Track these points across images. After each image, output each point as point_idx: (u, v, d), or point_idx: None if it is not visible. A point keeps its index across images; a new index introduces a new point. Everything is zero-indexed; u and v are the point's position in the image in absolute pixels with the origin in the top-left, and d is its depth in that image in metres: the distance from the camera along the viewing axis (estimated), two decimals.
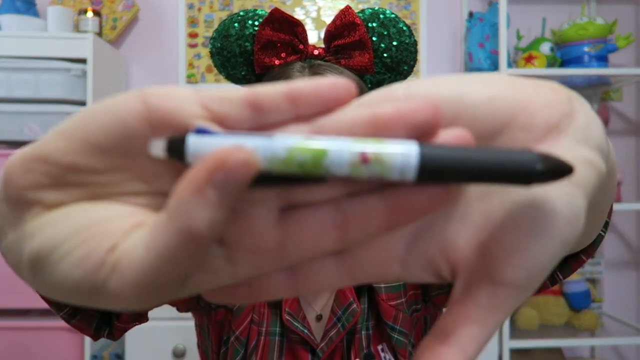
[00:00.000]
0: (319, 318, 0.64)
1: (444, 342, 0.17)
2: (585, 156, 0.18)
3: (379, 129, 0.17)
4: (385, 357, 0.62)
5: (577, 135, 0.18)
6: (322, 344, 0.60)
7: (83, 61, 1.54)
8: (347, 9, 0.59)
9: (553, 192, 0.17)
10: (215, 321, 0.64)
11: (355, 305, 0.61)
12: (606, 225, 0.36)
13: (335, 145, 0.16)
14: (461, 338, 0.17)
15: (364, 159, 0.16)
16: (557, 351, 1.73)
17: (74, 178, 0.17)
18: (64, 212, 0.17)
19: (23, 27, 1.56)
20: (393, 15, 0.60)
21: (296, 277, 0.19)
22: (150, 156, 0.17)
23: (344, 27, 0.59)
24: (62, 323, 1.47)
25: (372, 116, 0.17)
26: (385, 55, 0.61)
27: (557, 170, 0.16)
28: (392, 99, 0.18)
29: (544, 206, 0.17)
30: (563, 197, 0.17)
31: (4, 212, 0.18)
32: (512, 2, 1.90)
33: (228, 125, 0.17)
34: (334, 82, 0.17)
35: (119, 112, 0.17)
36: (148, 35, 1.87)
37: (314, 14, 1.89)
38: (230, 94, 0.17)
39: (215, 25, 1.85)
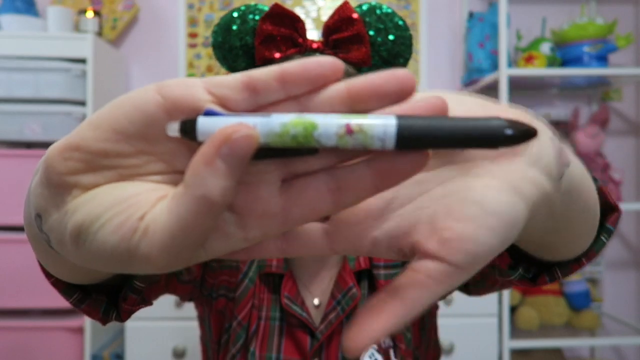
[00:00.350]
0: (317, 306, 0.65)
1: (392, 296, 0.21)
2: (532, 177, 0.22)
3: (354, 102, 0.19)
4: (384, 342, 0.63)
5: (530, 159, 0.22)
6: (322, 326, 0.62)
7: (83, 61, 1.54)
8: (345, 4, 0.60)
9: (500, 197, 0.21)
10: (216, 310, 0.65)
11: (355, 290, 0.62)
12: (609, 232, 0.39)
13: (323, 119, 0.19)
14: (407, 296, 0.20)
15: (349, 130, 0.18)
16: (557, 351, 1.73)
17: (105, 162, 0.20)
18: (99, 191, 0.20)
19: (23, 27, 1.56)
20: (389, 10, 0.61)
21: (287, 241, 0.23)
22: (169, 139, 0.20)
23: (341, 22, 0.60)
24: (62, 323, 1.47)
25: (347, 89, 0.19)
26: (381, 48, 0.62)
27: (524, 133, 0.19)
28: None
29: (490, 206, 0.20)
30: (507, 203, 0.20)
31: (47, 196, 0.21)
32: (512, 2, 1.90)
33: (230, 107, 0.19)
34: (318, 60, 0.19)
35: (140, 102, 0.19)
36: (148, 35, 1.87)
37: (314, 14, 1.89)
38: (229, 79, 0.19)
39: None
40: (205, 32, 1.86)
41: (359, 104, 0.19)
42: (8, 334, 1.47)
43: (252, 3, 0.62)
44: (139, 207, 0.19)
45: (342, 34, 0.60)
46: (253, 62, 0.63)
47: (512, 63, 1.80)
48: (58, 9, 1.58)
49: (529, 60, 1.62)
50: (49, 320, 1.50)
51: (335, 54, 0.61)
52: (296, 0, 1.88)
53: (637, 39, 1.90)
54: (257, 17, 0.61)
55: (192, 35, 1.86)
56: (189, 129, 0.19)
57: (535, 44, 1.70)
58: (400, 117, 0.19)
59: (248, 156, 0.18)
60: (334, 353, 0.62)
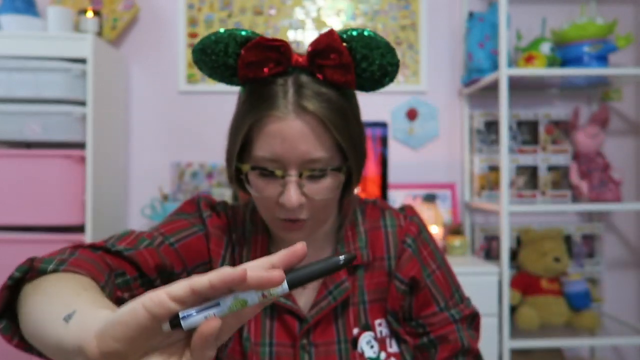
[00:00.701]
0: (304, 286, 0.70)
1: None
2: None
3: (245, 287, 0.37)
4: (381, 332, 0.70)
5: None
6: (313, 311, 0.68)
7: (83, 61, 1.54)
8: (332, 33, 0.60)
9: None
10: None
11: (347, 283, 0.69)
12: None
13: (250, 297, 0.36)
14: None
15: (265, 297, 0.37)
16: (557, 351, 1.73)
17: (133, 353, 0.35)
18: None
19: (23, 27, 1.56)
20: (378, 37, 0.60)
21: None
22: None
23: (328, 50, 0.60)
24: None
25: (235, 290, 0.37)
26: (367, 72, 0.62)
27: (349, 260, 0.39)
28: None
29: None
30: None
31: None
32: (512, 2, 1.90)
33: (187, 303, 0.35)
34: (231, 274, 0.34)
35: (138, 321, 0.34)
36: (148, 35, 1.87)
37: (314, 14, 1.89)
38: (181, 291, 0.34)
39: (216, 26, 1.85)
40: (205, 32, 1.86)
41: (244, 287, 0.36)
42: None
43: (232, 28, 0.60)
44: None
45: (327, 61, 0.60)
46: (236, 74, 0.64)
47: (512, 63, 1.80)
48: (58, 9, 1.58)
49: (529, 60, 1.62)
50: None
51: (320, 72, 0.61)
52: (296, 1, 1.88)
53: (637, 39, 1.90)
54: (238, 44, 0.61)
55: (192, 35, 1.86)
56: (176, 325, 0.35)
57: (535, 44, 1.70)
58: (287, 274, 0.37)
59: (217, 332, 0.35)
60: (319, 334, 0.68)
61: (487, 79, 1.64)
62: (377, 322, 0.70)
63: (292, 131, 0.60)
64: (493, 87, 1.73)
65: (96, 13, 1.66)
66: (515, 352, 1.65)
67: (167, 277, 0.65)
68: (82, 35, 1.54)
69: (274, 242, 0.73)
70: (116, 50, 1.76)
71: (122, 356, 0.35)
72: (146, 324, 0.34)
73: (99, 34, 1.66)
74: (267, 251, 0.72)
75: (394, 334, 0.70)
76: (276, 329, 0.69)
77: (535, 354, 1.70)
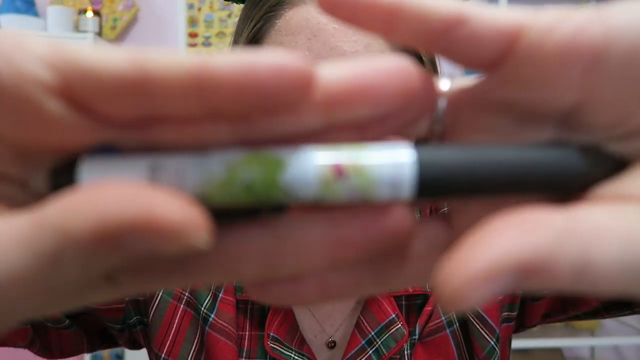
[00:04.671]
0: (331, 345, 0.44)
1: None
2: None
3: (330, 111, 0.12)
4: None
5: None
6: None
7: None
8: None
9: None
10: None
11: (400, 325, 0.42)
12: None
13: (294, 155, 0.11)
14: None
15: (339, 171, 0.11)
16: (557, 351, 1.73)
17: None
18: None
19: (23, 27, 1.56)
20: None
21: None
22: None
23: None
24: None
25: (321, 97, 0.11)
26: None
27: (607, 170, 0.12)
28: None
29: None
30: None
31: None
32: (512, 2, 1.90)
33: (92, 106, 0.11)
34: (274, 61, 0.10)
35: None
36: (148, 35, 1.87)
37: None
38: (103, 58, 0.10)
39: (216, 26, 1.85)
40: (205, 32, 1.86)
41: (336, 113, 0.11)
42: None
43: None
44: None
45: None
46: None
47: None
48: (58, 8, 1.59)
49: None
50: None
51: None
52: None
53: None
54: None
55: (192, 35, 1.86)
56: (64, 177, 0.12)
57: None
58: (419, 148, 0.12)
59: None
60: None
61: None
62: None
63: (327, 19, 0.34)
64: None
65: (96, 13, 1.66)
66: (515, 352, 1.65)
67: None
68: (82, 35, 1.54)
69: None
70: None
71: None
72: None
73: (99, 34, 1.67)
74: None
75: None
76: None
77: (535, 354, 1.70)
